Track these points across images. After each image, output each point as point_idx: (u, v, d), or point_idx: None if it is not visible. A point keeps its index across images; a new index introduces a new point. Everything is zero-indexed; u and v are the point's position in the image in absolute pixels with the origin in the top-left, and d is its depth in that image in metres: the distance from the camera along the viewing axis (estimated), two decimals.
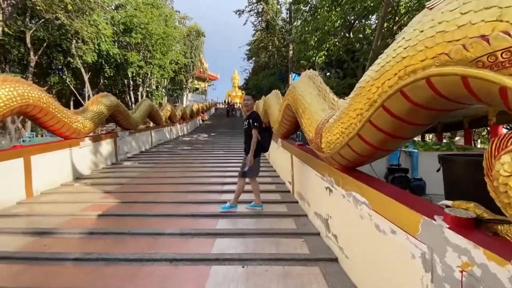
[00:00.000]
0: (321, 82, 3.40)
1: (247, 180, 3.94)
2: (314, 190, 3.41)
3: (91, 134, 7.20)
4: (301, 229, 3.28)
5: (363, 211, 2.02)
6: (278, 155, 6.16)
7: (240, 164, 4.12)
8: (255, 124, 3.75)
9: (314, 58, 11.62)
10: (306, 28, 12.21)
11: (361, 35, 11.26)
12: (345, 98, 2.59)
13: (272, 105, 6.82)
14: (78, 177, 6.08)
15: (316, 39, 11.63)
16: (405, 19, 9.16)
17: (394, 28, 8.61)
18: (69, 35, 14.50)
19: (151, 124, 12.60)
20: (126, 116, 8.64)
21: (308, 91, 3.52)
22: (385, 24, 8.60)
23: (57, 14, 12.40)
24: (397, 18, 8.52)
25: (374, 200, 1.90)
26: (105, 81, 22.68)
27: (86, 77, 16.11)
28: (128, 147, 9.11)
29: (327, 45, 11.10)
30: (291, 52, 16.56)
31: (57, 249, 2.79)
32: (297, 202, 4.27)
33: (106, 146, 7.55)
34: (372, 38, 11.99)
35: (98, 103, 7.18)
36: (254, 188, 3.91)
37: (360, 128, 1.95)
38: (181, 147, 11.23)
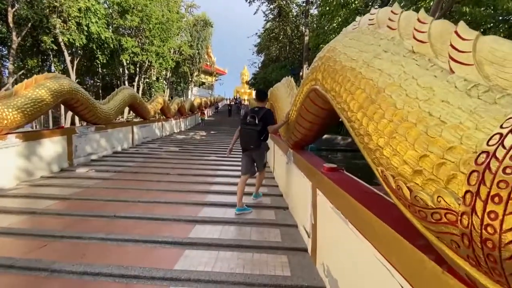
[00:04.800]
0: (425, 18, 1.21)
1: None
2: None
3: (28, 129, 5.20)
4: None
5: None
6: (288, 174, 3.95)
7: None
8: None
9: None
10: (327, 8, 9.89)
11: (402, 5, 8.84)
12: None
13: (282, 97, 4.65)
14: None
15: (339, 19, 9.32)
16: None
17: None
18: (47, 11, 12.57)
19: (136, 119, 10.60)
20: (89, 106, 6.59)
21: (381, 47, 1.35)
22: None
23: None
24: None
25: None
26: (104, 70, 20.87)
27: (68, 60, 14.19)
28: (94, 147, 7.09)
29: None
30: (306, 38, 14.20)
31: None
32: None
33: (52, 146, 5.53)
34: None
35: (38, 86, 5.13)
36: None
37: None
38: (167, 148, 9.16)
